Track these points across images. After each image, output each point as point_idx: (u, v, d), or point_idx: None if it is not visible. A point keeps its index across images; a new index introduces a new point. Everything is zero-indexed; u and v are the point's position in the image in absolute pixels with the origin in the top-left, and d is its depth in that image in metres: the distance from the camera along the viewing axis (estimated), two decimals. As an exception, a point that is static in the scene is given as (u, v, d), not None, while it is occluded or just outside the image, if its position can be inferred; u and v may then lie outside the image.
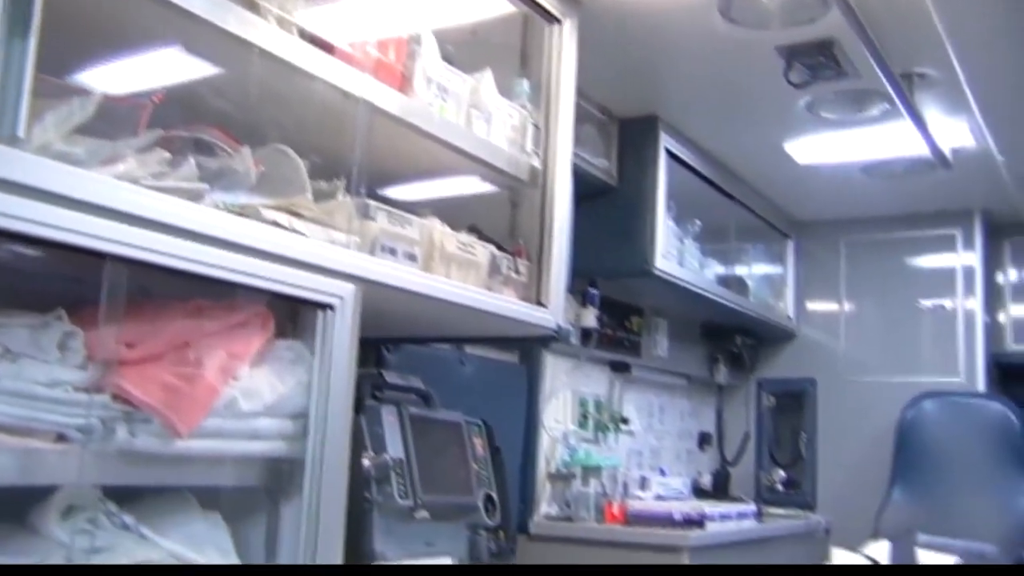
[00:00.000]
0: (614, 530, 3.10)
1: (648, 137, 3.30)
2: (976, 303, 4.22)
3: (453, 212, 1.99)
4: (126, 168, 1.25)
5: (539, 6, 2.18)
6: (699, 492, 4.17)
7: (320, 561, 1.49)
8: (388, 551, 1.82)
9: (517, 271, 2.06)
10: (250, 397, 1.41)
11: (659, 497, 3.59)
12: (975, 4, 2.44)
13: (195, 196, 1.37)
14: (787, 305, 4.56)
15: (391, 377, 2.05)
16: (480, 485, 2.08)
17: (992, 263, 4.37)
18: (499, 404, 2.89)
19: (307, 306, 1.53)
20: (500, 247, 2.05)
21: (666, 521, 3.12)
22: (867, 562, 2.46)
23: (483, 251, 1.97)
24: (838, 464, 4.34)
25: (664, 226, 3.29)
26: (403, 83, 1.85)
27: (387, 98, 1.79)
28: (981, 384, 4.14)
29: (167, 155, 1.36)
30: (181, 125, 1.48)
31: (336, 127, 1.75)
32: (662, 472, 3.98)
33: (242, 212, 1.44)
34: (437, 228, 1.86)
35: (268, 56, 1.54)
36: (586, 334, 3.38)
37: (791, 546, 3.70)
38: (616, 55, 2.80)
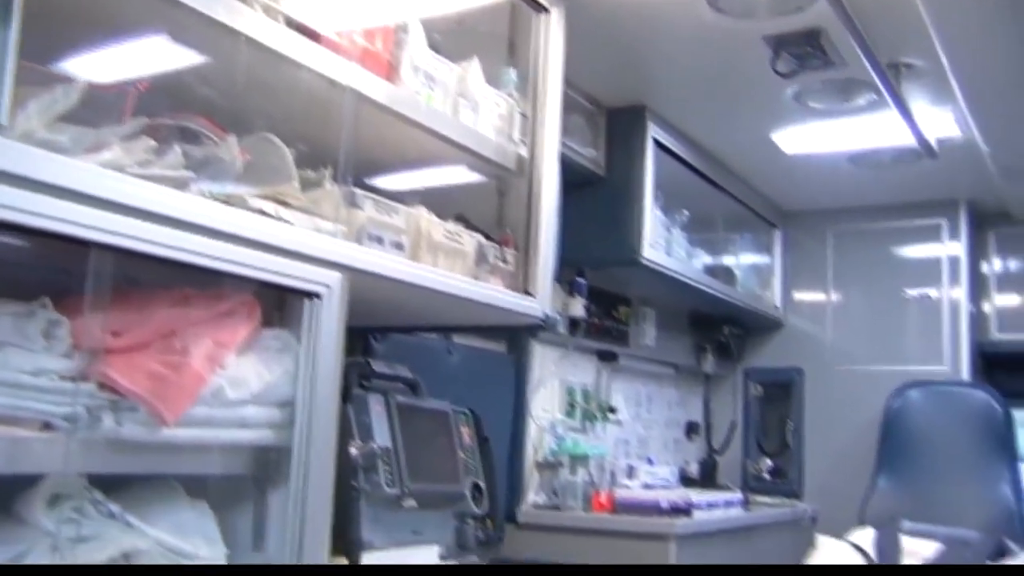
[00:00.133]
0: (601, 518, 3.12)
1: (636, 127, 3.30)
2: (961, 292, 4.25)
3: (440, 201, 1.99)
4: (111, 156, 1.25)
5: (526, -6, 2.18)
6: (686, 481, 4.19)
7: (307, 548, 1.49)
8: (375, 539, 1.82)
9: (504, 260, 2.06)
10: (237, 385, 1.41)
11: (646, 486, 3.60)
12: (961, -6, 2.45)
13: (181, 184, 1.37)
14: (774, 295, 4.57)
15: (378, 366, 2.05)
16: (467, 474, 2.09)
17: (977, 253, 4.40)
18: (487, 393, 2.90)
19: (294, 295, 1.53)
20: (487, 236, 2.06)
21: (653, 509, 3.13)
22: (852, 549, 2.48)
23: (470, 240, 1.97)
24: (824, 452, 4.37)
25: (652, 216, 3.30)
26: (390, 72, 1.85)
27: (374, 87, 1.78)
28: (966, 373, 4.17)
29: (153, 143, 1.35)
30: (167, 113, 1.47)
31: (323, 116, 1.74)
32: (650, 461, 3.99)
33: (228, 200, 1.44)
34: (424, 217, 1.86)
35: (255, 44, 1.54)
36: (574, 323, 3.39)
37: (778, 534, 3.73)
38: (604, 45, 2.80)
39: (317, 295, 1.54)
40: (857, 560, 2.42)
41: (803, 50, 2.70)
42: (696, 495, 3.29)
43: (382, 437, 1.86)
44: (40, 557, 1.21)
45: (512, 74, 2.21)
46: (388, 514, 1.85)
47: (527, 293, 2.09)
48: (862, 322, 4.46)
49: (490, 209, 2.21)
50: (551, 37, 2.24)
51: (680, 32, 2.70)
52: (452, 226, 1.94)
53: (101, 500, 1.30)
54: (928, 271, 4.33)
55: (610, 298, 3.75)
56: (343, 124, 1.75)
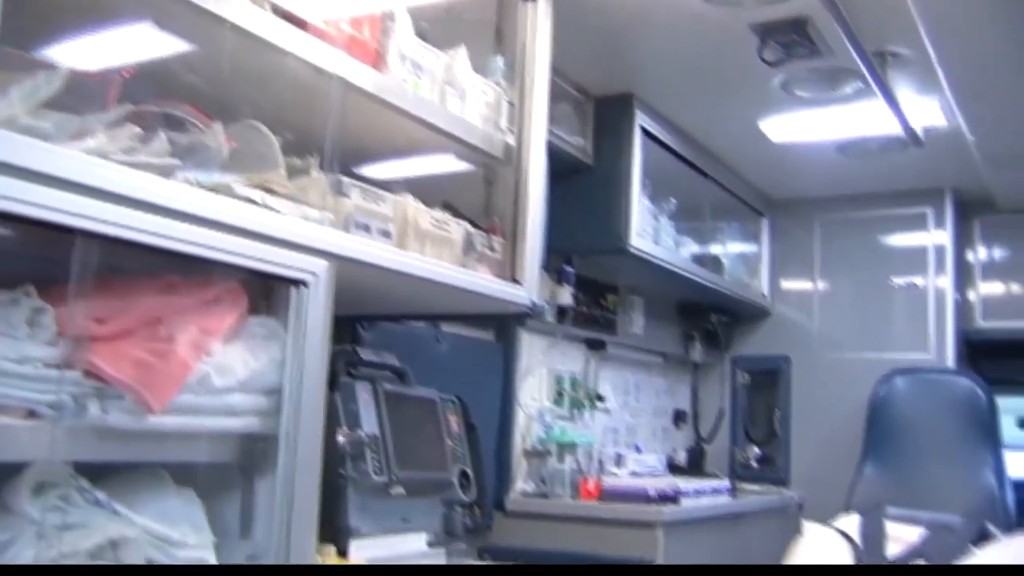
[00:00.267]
0: (589, 506, 3.13)
1: (623, 115, 3.31)
2: (947, 281, 4.27)
3: (428, 190, 1.99)
4: (96, 143, 1.24)
5: (514, -17, 2.17)
6: (674, 469, 4.21)
7: (294, 536, 1.50)
8: (363, 527, 1.83)
9: (491, 248, 2.06)
10: (223, 373, 1.41)
11: (634, 474, 3.62)
12: (947, -17, 2.46)
13: (166, 172, 1.36)
14: (762, 283, 4.59)
15: (366, 354, 2.06)
16: (455, 461, 2.09)
17: (962, 241, 4.42)
18: (475, 381, 2.91)
19: (280, 282, 1.53)
20: (475, 224, 2.06)
21: (641, 497, 3.14)
22: (838, 535, 2.50)
23: (457, 228, 1.97)
24: (811, 440, 4.39)
25: (639, 204, 3.30)
26: (377, 60, 1.84)
27: (361, 75, 1.78)
28: (951, 360, 4.20)
29: (138, 130, 1.35)
30: (152, 101, 1.47)
31: (309, 104, 1.74)
32: (637, 449, 4.01)
33: (214, 188, 1.43)
34: (411, 205, 1.86)
35: (240, 32, 1.53)
36: (561, 312, 3.40)
37: (765, 521, 3.75)
38: (591, 33, 2.80)
39: (304, 283, 1.54)
40: (842, 546, 2.44)
41: (790, 38, 2.71)
42: (684, 483, 3.31)
43: (370, 425, 1.86)
44: (26, 545, 1.21)
45: (499, 62, 2.20)
46: (376, 502, 1.86)
47: (514, 281, 2.09)
48: (849, 310, 4.48)
49: (477, 198, 2.21)
50: (538, 25, 2.24)
51: (667, 20, 2.70)
52: (439, 214, 1.94)
53: (87, 488, 1.29)
54: (914, 259, 4.35)
55: (598, 286, 3.75)
56: (330, 112, 1.74)
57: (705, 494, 3.40)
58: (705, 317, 4.45)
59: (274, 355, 1.50)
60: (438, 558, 2.03)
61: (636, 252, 3.27)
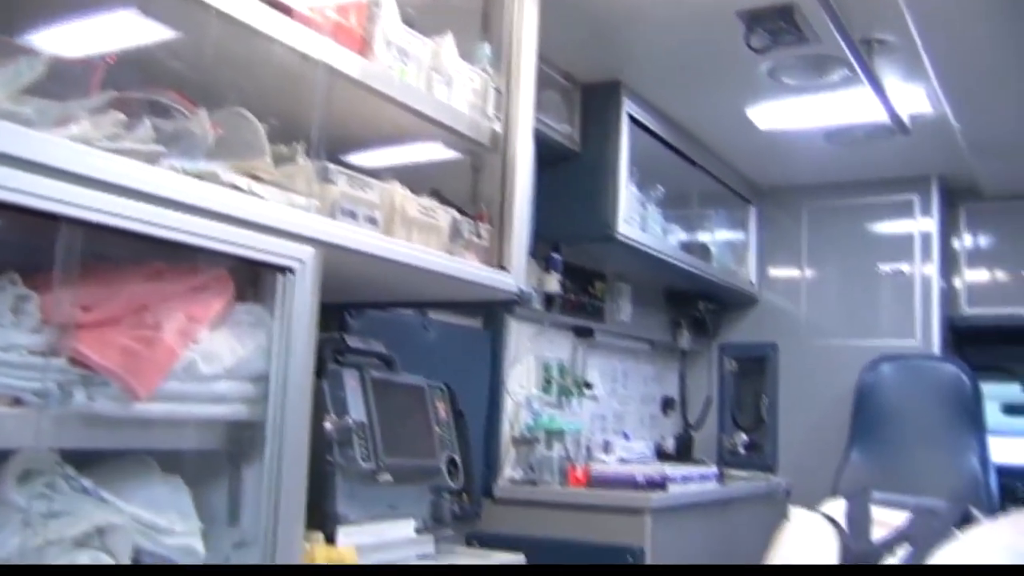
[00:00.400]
0: (577, 493, 3.14)
1: (611, 103, 3.31)
2: (933, 268, 4.29)
3: (415, 177, 1.99)
4: (79, 129, 1.23)
5: (500, -31, 2.17)
6: (662, 456, 4.23)
7: (282, 523, 1.50)
8: (351, 513, 1.83)
9: (479, 235, 2.06)
10: (209, 360, 1.40)
11: (622, 460, 3.63)
12: (932, -30, 2.46)
13: (151, 158, 1.36)
14: (749, 271, 4.61)
15: (353, 341, 2.05)
16: (443, 448, 2.10)
17: (948, 229, 4.45)
18: (463, 369, 2.91)
19: (267, 269, 1.53)
20: (462, 211, 2.06)
21: (629, 483, 3.16)
22: (824, 520, 2.52)
23: (444, 215, 1.97)
24: (799, 427, 4.42)
25: (627, 191, 3.31)
26: (363, 46, 1.84)
27: (347, 61, 1.77)
28: (937, 347, 4.22)
29: (122, 117, 1.34)
30: (136, 87, 1.46)
31: (295, 91, 1.73)
32: (626, 436, 4.02)
33: (200, 175, 1.43)
34: (398, 192, 1.86)
35: (225, 18, 1.52)
36: (549, 299, 3.41)
37: (752, 507, 3.77)
38: (578, 20, 2.79)
39: (290, 270, 1.53)
40: (828, 530, 2.46)
41: (776, 25, 2.71)
42: (671, 469, 3.32)
43: (357, 412, 1.86)
44: (12, 533, 1.21)
45: (486, 49, 2.20)
46: (364, 488, 1.86)
47: (501, 268, 2.09)
48: (836, 297, 4.50)
49: (464, 185, 2.21)
50: (525, 12, 2.23)
51: (655, 7, 2.70)
52: (426, 201, 1.94)
53: (73, 476, 1.29)
54: (900, 247, 4.37)
55: (585, 274, 3.76)
56: (316, 99, 1.74)
57: (693, 480, 3.42)
58: (693, 304, 4.46)
59: (261, 342, 1.50)
60: (426, 545, 2.03)
61: (623, 239, 3.28)
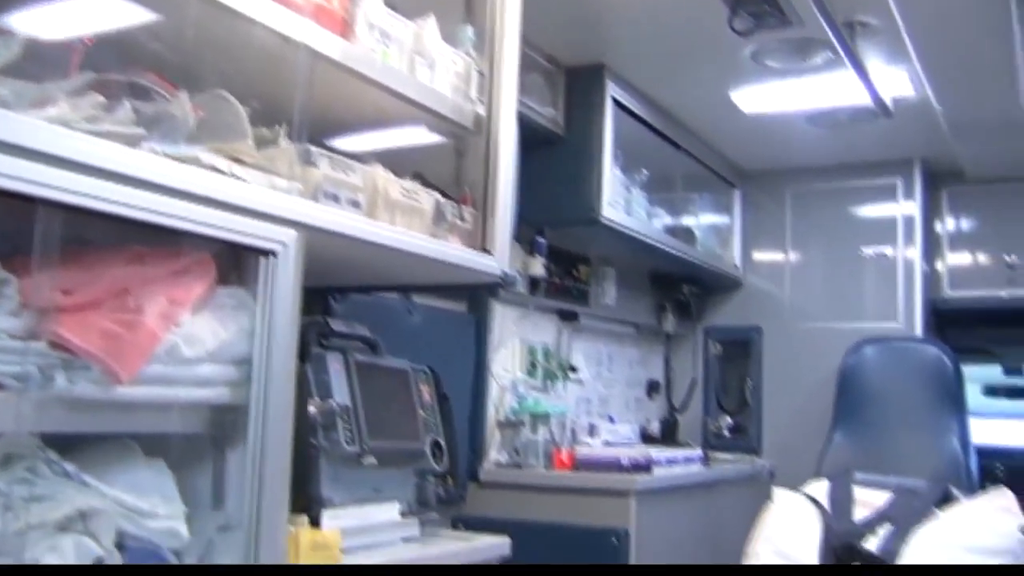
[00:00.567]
0: (563, 476, 3.16)
1: (595, 86, 3.31)
2: (915, 251, 4.32)
3: (398, 161, 1.98)
4: (58, 111, 1.22)
5: (483, -49, 2.16)
6: (647, 439, 4.25)
7: (266, 507, 1.50)
8: (336, 497, 1.83)
9: (462, 218, 2.06)
10: (192, 343, 1.40)
11: (607, 443, 3.65)
12: (915, -48, 2.47)
13: (132, 141, 1.35)
14: (734, 254, 4.62)
15: (337, 325, 2.05)
16: (427, 431, 2.10)
17: (931, 212, 4.47)
18: (448, 353, 2.91)
19: (249, 252, 1.52)
20: (445, 195, 2.05)
21: (614, 466, 3.18)
22: (807, 501, 2.55)
23: (428, 198, 1.97)
24: (783, 409, 4.45)
25: (611, 175, 3.31)
26: (345, 28, 1.82)
27: (328, 44, 1.76)
28: (919, 329, 4.25)
29: (101, 99, 1.33)
30: (115, 69, 1.45)
31: (277, 73, 1.72)
32: (611, 420, 4.04)
33: (181, 157, 1.42)
34: (381, 175, 1.85)
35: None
36: (534, 283, 3.41)
37: (736, 489, 3.80)
38: (562, 3, 2.79)
39: (272, 252, 1.53)
40: (811, 511, 2.48)
41: (760, 8, 2.71)
42: (656, 452, 3.34)
43: (341, 395, 1.86)
44: (-7, 517, 1.21)
45: (469, 32, 2.19)
46: (348, 472, 1.86)
47: (485, 251, 2.09)
48: (820, 281, 4.53)
49: (448, 168, 2.21)
50: (508, -6, 2.22)
51: (638, -10, 2.70)
52: (409, 184, 1.94)
53: (55, 460, 1.29)
54: (884, 230, 4.40)
55: (570, 257, 3.76)
56: (297, 81, 1.73)
57: (677, 463, 3.44)
58: (677, 288, 4.47)
59: (243, 325, 1.50)
60: (411, 528, 2.04)
61: (608, 223, 3.28)
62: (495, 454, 3.32)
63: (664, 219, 3.91)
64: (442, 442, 2.13)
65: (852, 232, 4.47)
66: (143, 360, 1.32)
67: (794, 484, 3.08)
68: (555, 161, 3.26)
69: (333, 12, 1.79)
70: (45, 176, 1.18)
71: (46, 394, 1.24)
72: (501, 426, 3.34)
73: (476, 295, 3.15)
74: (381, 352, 2.13)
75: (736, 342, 4.65)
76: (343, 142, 2.02)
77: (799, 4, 2.68)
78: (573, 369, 3.86)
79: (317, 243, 1.63)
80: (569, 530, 2.96)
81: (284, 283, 1.54)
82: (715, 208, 4.56)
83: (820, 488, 2.65)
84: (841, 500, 2.53)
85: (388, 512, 1.98)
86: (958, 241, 4.48)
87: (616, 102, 3.37)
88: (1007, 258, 4.29)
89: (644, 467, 3.16)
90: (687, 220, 4.25)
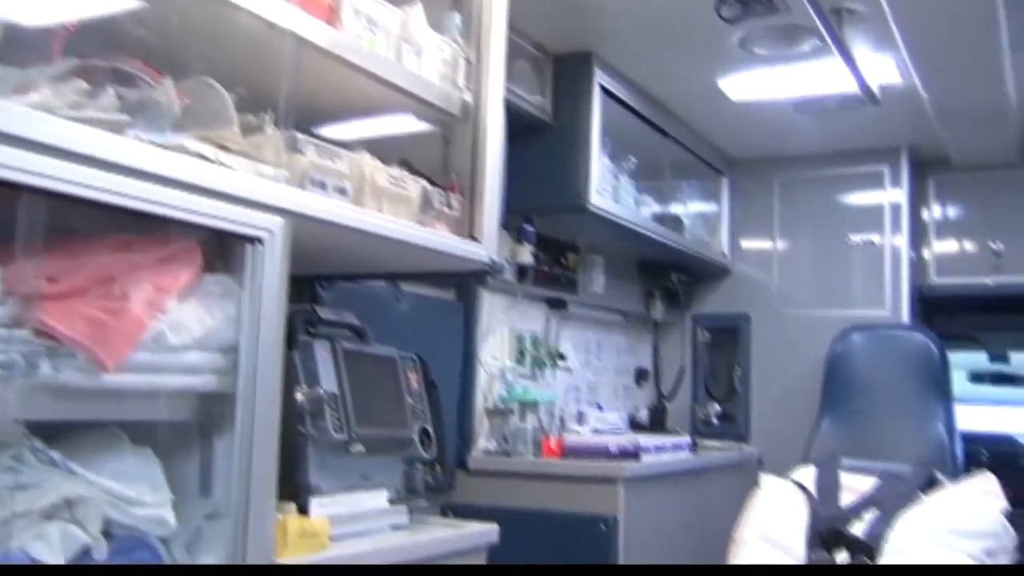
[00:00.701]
0: (551, 463, 3.17)
1: (582, 73, 3.30)
2: (902, 239, 4.34)
3: (385, 148, 1.98)
4: (40, 97, 1.21)
5: (469, -63, 2.15)
6: (636, 426, 4.26)
7: (254, 494, 1.50)
8: (323, 484, 1.83)
9: (449, 206, 2.06)
10: (178, 331, 1.40)
11: (596, 431, 3.66)
12: (902, -61, 2.47)
13: (116, 128, 1.34)
14: (722, 242, 4.63)
15: (325, 313, 2.05)
16: (415, 419, 2.10)
17: (918, 199, 4.49)
18: (436, 341, 2.91)
19: (235, 240, 1.52)
20: (432, 182, 2.05)
21: (602, 453, 3.19)
22: (794, 486, 2.56)
23: (415, 185, 1.96)
24: (771, 396, 4.47)
25: (599, 163, 3.31)
26: (331, 15, 1.81)
27: (314, 30, 1.75)
28: (906, 316, 4.27)
29: (84, 85, 1.32)
30: (99, 56, 1.44)
31: (263, 60, 1.71)
32: (599, 408, 4.05)
33: (166, 144, 1.41)
34: (367, 162, 1.85)
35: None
36: (522, 271, 3.41)
37: (724, 476, 3.82)
38: (549, -11, 2.78)
39: (259, 240, 1.52)
40: (798, 496, 2.50)
41: (747, -5, 2.71)
42: (645, 439, 3.35)
43: (328, 383, 1.86)
44: (-21, 506, 1.20)
45: (456, 19, 2.18)
46: (336, 459, 1.86)
47: (472, 238, 2.09)
48: (807, 268, 4.54)
49: (435, 156, 2.20)
50: (495, -19, 2.21)
51: (625, -23, 2.69)
52: (396, 171, 1.93)
53: (41, 448, 1.29)
54: (871, 218, 4.41)
55: (558, 245, 3.76)
56: (283, 68, 1.72)
57: (666, 450, 3.45)
58: (666, 276, 4.48)
59: (230, 313, 1.50)
60: (400, 515, 2.04)
61: (596, 210, 3.28)
62: (484, 442, 3.32)
63: (652, 207, 3.91)
64: (430, 430, 2.14)
65: (840, 220, 4.48)
66: (129, 347, 1.32)
67: (782, 471, 3.10)
68: (543, 149, 3.25)
69: (319, -2, 1.78)
70: (28, 163, 1.18)
71: (31, 382, 1.23)
72: (490, 414, 3.35)
73: (464, 283, 3.15)
74: (369, 340, 2.13)
75: (724, 330, 4.66)
76: (330, 129, 2.01)
77: (786, -9, 2.68)
78: (561, 357, 3.86)
79: (304, 230, 1.62)
80: (558, 517, 2.97)
81: (271, 270, 1.54)
82: (703, 196, 4.56)
83: (807, 474, 2.67)
84: (828, 486, 2.55)
85: (376, 499, 1.98)
86: (944, 228, 4.50)
87: (604, 90, 3.36)
88: (993, 245, 4.31)
89: (632, 454, 3.17)
90: (675, 208, 4.25)
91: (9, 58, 1.22)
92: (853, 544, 2.34)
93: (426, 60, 2.05)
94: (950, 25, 2.90)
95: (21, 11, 1.31)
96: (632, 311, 4.47)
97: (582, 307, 4.03)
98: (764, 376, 4.53)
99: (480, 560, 2.15)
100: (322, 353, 1.88)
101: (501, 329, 3.51)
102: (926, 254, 4.51)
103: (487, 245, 2.11)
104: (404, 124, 2.17)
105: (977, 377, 4.84)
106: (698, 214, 4.48)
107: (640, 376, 4.62)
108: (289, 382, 1.71)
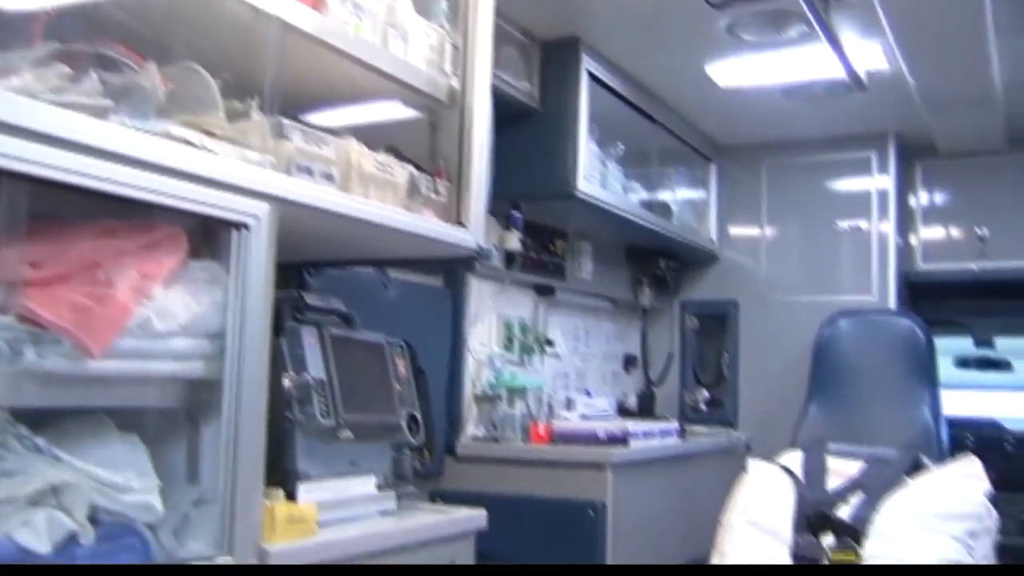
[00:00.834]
0: (540, 449, 3.18)
1: (570, 59, 3.29)
2: (889, 225, 4.35)
3: (372, 134, 1.97)
4: (21, 82, 1.21)
5: (456, -79, 2.14)
6: (624, 413, 4.27)
7: (241, 480, 1.50)
8: (311, 470, 1.83)
9: (436, 191, 2.05)
10: (164, 317, 1.39)
11: (584, 417, 3.67)
12: (889, -76, 2.47)
13: (99, 113, 1.33)
14: (710, 228, 4.64)
15: (312, 299, 2.04)
16: (403, 405, 2.10)
17: (904, 186, 4.50)
18: (424, 327, 2.91)
19: (221, 226, 1.51)
20: (419, 168, 2.04)
21: (591, 439, 3.20)
22: (781, 470, 2.58)
23: (402, 171, 1.96)
24: (759, 382, 4.49)
25: (586, 149, 3.30)
26: (316, 0, 1.81)
27: (300, 15, 1.74)
28: (892, 302, 4.29)
29: (67, 70, 1.31)
30: (81, 40, 1.42)
31: (248, 45, 1.71)
32: (588, 394, 4.05)
33: (150, 130, 1.40)
34: (354, 148, 1.84)
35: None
36: (510, 257, 3.41)
37: (712, 462, 3.84)
38: (536, -26, 2.77)
39: (245, 226, 1.52)
40: (785, 480, 2.51)
41: (735, -20, 2.71)
42: (633, 425, 3.36)
43: (316, 369, 1.86)
44: (-35, 492, 1.20)
45: (443, 4, 2.17)
46: (324, 445, 1.86)
47: (460, 224, 2.09)
48: (795, 254, 4.56)
49: (422, 142, 2.19)
50: (482, -34, 2.21)
51: (613, -38, 2.69)
52: (383, 157, 1.93)
53: (26, 434, 1.28)
54: (858, 204, 4.43)
55: (546, 232, 3.76)
56: (269, 54, 1.71)
57: (654, 436, 3.46)
58: (654, 262, 4.49)
59: (216, 299, 1.49)
60: (388, 501, 2.04)
61: (583, 197, 3.28)
62: (472, 428, 3.33)
63: (640, 193, 3.92)
64: (418, 416, 2.14)
65: (827, 206, 4.50)
66: (114, 333, 1.31)
67: (770, 456, 3.11)
68: (530, 135, 3.25)
69: (304, -17, 1.77)
70: (9, 147, 1.17)
71: (15, 368, 1.23)
72: (478, 400, 3.35)
73: (452, 269, 3.15)
74: (356, 326, 2.13)
75: (712, 316, 4.68)
76: (316, 115, 2.01)
77: (773, -24, 2.68)
78: (550, 343, 3.87)
79: (290, 216, 1.62)
80: (546, 503, 2.98)
81: (257, 256, 1.54)
82: (691, 182, 4.57)
83: (794, 458, 2.68)
84: (814, 470, 2.56)
85: (364, 485, 1.98)
86: (931, 214, 4.52)
87: (591, 76, 3.36)
88: (979, 231, 4.33)
89: (621, 440, 3.18)
90: (663, 194, 4.25)
91: (-11, 43, 1.21)
92: (839, 527, 2.35)
93: (412, 46, 2.04)
94: (936, 11, 2.90)
95: (2, -4, 1.30)
96: (620, 297, 4.48)
97: (570, 293, 4.04)
98: (752, 362, 4.55)
99: (468, 546, 2.16)
100: (309, 339, 1.88)
101: (489, 315, 3.51)
102: (913, 240, 4.53)
103: (474, 231, 2.11)
104: (391, 110, 2.16)
105: (963, 362, 4.87)
106: (686, 200, 4.49)
107: (628, 362, 4.63)
108: (276, 368, 1.71)
